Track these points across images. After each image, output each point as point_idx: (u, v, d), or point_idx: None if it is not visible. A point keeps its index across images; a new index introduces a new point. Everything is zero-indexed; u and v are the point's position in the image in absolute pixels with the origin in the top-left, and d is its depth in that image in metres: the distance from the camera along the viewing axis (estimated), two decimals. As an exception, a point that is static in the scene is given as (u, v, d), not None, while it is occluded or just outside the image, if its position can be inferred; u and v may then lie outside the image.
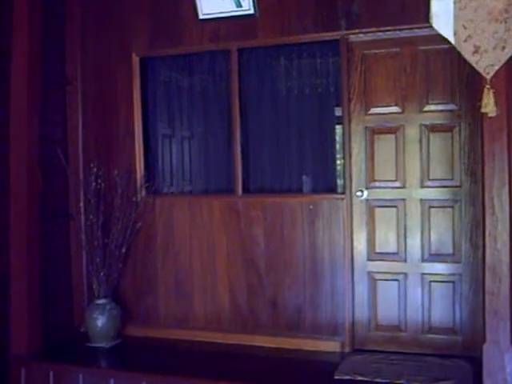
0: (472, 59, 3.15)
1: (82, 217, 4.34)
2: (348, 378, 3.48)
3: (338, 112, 4.10)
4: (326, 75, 4.16)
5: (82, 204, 4.35)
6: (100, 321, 4.13)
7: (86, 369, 3.82)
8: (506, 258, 3.25)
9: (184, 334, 4.31)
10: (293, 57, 4.22)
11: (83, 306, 4.45)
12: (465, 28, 3.13)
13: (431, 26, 3.21)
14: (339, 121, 4.07)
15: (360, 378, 3.45)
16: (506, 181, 3.27)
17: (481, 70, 3.14)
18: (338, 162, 4.16)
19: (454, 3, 3.14)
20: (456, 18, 3.14)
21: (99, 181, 4.27)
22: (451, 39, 3.17)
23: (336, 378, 3.49)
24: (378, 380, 3.43)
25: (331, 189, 4.16)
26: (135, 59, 4.42)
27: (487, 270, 3.27)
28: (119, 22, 4.45)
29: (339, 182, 4.15)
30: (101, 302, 4.20)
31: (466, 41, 3.14)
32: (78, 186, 4.44)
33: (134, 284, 4.49)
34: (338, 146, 4.15)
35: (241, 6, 4.06)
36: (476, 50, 3.13)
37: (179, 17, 4.27)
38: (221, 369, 3.79)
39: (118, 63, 4.46)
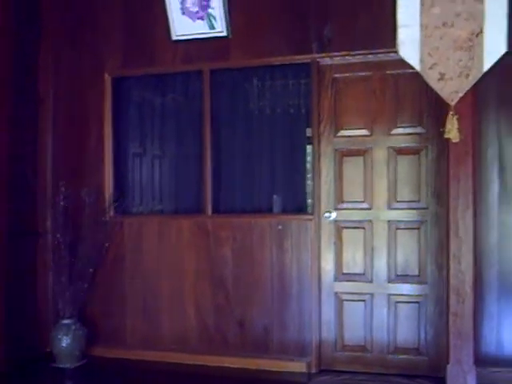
0: (437, 86, 3.23)
1: (50, 235, 4.29)
2: (315, 398, 3.49)
3: (309, 133, 4.14)
4: (298, 97, 4.20)
5: (49, 222, 4.31)
6: (65, 341, 4.07)
7: (49, 390, 3.75)
8: (469, 280, 3.31)
9: (151, 355, 4.26)
10: (265, 78, 4.26)
11: (49, 326, 4.37)
12: (430, 56, 3.22)
13: (399, 52, 3.30)
14: (310, 141, 4.12)
15: (327, 399, 3.47)
16: (471, 203, 3.35)
17: (445, 97, 3.22)
18: (309, 182, 4.20)
19: (420, 31, 3.23)
20: (422, 45, 3.22)
21: (67, 200, 4.22)
22: (417, 67, 3.25)
23: (303, 398, 3.50)
24: (344, 401, 3.45)
25: (301, 208, 4.18)
26: (107, 79, 4.42)
27: (451, 292, 3.33)
28: (92, 42, 4.45)
29: (309, 201, 4.19)
30: (66, 322, 4.13)
31: (431, 68, 3.23)
32: (47, 204, 4.39)
33: (100, 304, 4.43)
34: (308, 166, 4.20)
35: (214, 28, 4.11)
36: (441, 77, 3.22)
37: (152, 37, 4.30)
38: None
39: (90, 82, 4.45)
